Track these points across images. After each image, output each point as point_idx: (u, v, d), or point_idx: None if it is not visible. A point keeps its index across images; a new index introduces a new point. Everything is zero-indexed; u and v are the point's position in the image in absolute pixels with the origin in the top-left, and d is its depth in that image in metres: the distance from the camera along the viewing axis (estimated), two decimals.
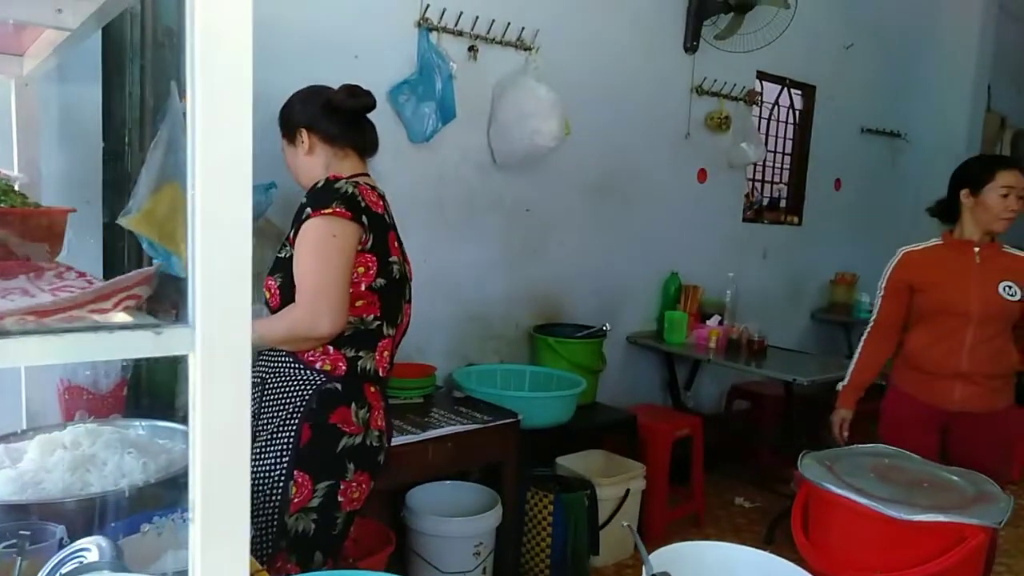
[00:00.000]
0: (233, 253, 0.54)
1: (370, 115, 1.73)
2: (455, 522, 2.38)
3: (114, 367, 1.61)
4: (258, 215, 2.11)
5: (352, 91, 1.65)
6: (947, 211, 2.38)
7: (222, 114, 0.53)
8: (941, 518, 1.46)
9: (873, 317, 2.44)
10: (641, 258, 3.65)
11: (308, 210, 1.50)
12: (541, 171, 3.12)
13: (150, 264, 1.85)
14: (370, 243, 1.54)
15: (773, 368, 3.33)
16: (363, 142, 1.69)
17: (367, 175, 1.68)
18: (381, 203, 1.61)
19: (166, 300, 1.58)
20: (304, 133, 1.64)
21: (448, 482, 2.61)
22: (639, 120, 3.50)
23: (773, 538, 3.16)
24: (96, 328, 0.53)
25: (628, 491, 2.86)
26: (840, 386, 2.48)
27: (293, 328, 1.50)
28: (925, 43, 4.97)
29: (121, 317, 0.58)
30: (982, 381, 2.24)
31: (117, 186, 1.93)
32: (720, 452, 3.91)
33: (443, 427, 2.34)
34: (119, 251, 1.93)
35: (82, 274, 0.79)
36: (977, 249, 2.28)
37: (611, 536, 2.80)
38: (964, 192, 2.29)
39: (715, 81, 3.75)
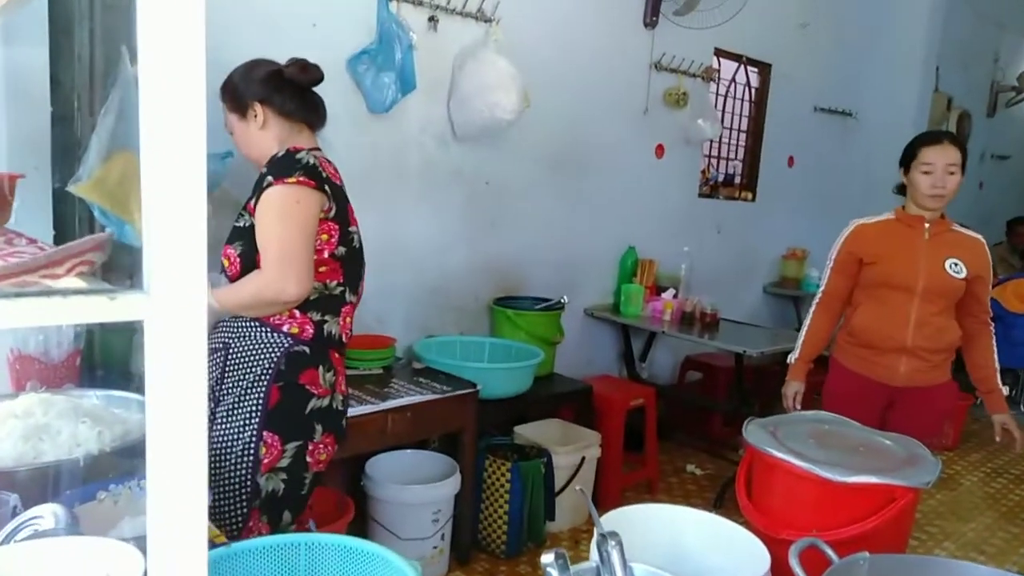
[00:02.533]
0: (187, 218, 0.55)
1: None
2: (414, 489, 2.42)
3: (66, 336, 1.59)
4: (215, 184, 2.09)
5: (303, 65, 1.66)
6: (901, 187, 2.40)
7: (174, 80, 0.54)
8: (873, 479, 1.55)
9: (822, 288, 2.43)
10: (599, 232, 3.70)
11: (270, 178, 1.51)
12: (501, 144, 3.13)
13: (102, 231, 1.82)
14: (333, 212, 1.57)
15: (725, 340, 3.43)
16: (316, 116, 1.70)
17: (319, 149, 1.68)
18: (338, 175, 1.64)
19: (120, 269, 1.57)
20: (258, 107, 1.63)
21: (408, 451, 2.65)
22: (599, 95, 3.52)
23: (722, 503, 3.29)
24: (49, 293, 0.54)
25: (583, 459, 2.93)
26: (791, 359, 2.47)
27: (260, 293, 1.52)
28: (877, 25, 5.07)
29: (74, 282, 0.59)
30: (926, 356, 2.27)
31: (67, 152, 1.89)
32: (673, 421, 4.03)
33: (402, 397, 2.38)
34: (69, 219, 1.89)
35: (32, 240, 0.79)
36: (927, 225, 2.28)
37: (567, 502, 2.88)
38: (902, 171, 2.33)
39: (674, 57, 3.78)
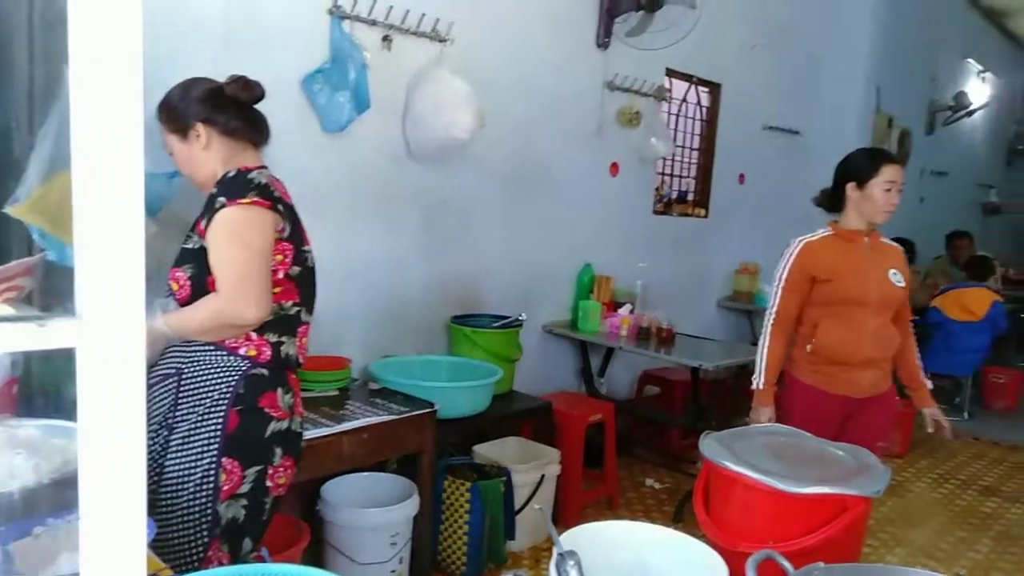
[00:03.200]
0: (123, 241, 0.53)
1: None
2: (371, 513, 2.38)
3: (2, 364, 1.52)
4: (161, 206, 2.03)
5: (245, 82, 1.62)
6: (832, 201, 2.43)
7: (109, 99, 0.53)
8: (826, 490, 1.58)
9: (775, 310, 2.38)
10: (556, 249, 3.72)
11: (222, 199, 1.48)
12: (457, 162, 3.14)
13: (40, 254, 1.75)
14: (287, 231, 1.55)
15: (681, 354, 3.48)
16: (260, 134, 1.68)
17: (265, 167, 1.66)
18: (288, 194, 1.61)
19: (62, 294, 1.51)
20: (200, 128, 1.60)
21: (364, 473, 2.61)
22: (554, 114, 3.56)
23: (682, 516, 3.31)
24: None
25: (543, 476, 2.92)
26: (758, 384, 2.38)
27: (218, 316, 1.48)
28: (821, 47, 5.25)
29: (2, 309, 0.56)
30: (883, 365, 2.36)
31: (4, 173, 1.82)
32: (632, 436, 4.05)
33: (358, 419, 2.33)
34: (5, 241, 1.82)
35: None
36: (867, 239, 2.37)
37: (527, 521, 2.86)
38: (851, 185, 2.34)
39: (626, 77, 3.85)
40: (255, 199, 1.48)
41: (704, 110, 4.63)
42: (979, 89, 7.99)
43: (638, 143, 3.97)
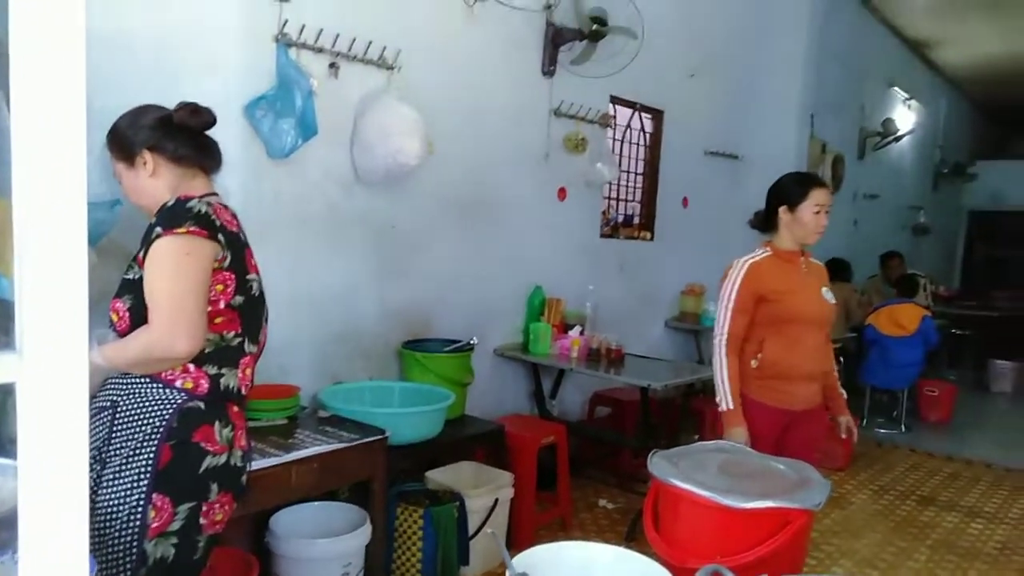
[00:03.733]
0: (65, 273, 0.53)
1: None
2: (321, 544, 2.34)
3: None
4: (102, 234, 1.99)
5: (194, 109, 1.61)
6: (766, 224, 2.51)
7: (51, 127, 0.53)
8: (769, 504, 1.63)
9: (726, 330, 2.40)
10: (506, 273, 3.75)
11: (159, 229, 1.46)
12: (406, 189, 3.15)
13: None
14: (228, 261, 1.52)
15: (630, 375, 3.53)
16: (210, 160, 1.66)
17: (216, 194, 1.64)
18: (235, 221, 1.59)
19: None
20: (147, 155, 1.58)
21: (314, 503, 2.56)
22: (501, 140, 3.62)
23: (634, 535, 3.34)
24: None
25: (497, 500, 2.92)
26: (727, 405, 2.38)
27: (149, 349, 1.45)
28: (758, 75, 5.47)
29: None
30: (818, 378, 2.47)
31: None
32: (585, 457, 4.08)
33: (308, 448, 2.30)
34: None
35: None
36: (802, 259, 2.47)
37: (481, 545, 2.85)
38: (783, 208, 2.42)
39: (572, 104, 3.94)
40: (192, 228, 1.45)
41: (648, 136, 4.76)
42: (905, 116, 8.41)
43: (585, 168, 4.06)
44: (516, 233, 3.77)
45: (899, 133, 7.88)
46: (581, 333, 3.85)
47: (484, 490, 2.90)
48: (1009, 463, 4.94)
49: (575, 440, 4.06)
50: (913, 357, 5.52)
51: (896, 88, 8.17)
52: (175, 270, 1.44)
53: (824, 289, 2.49)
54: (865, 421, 5.61)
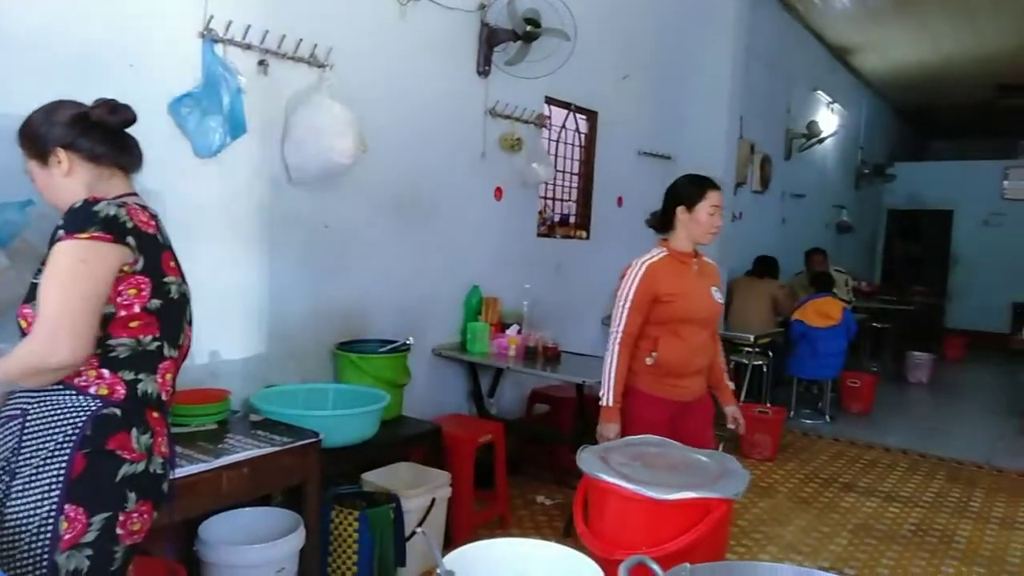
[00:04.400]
0: None
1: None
2: (252, 549, 2.30)
3: None
4: (13, 235, 1.92)
5: (112, 106, 1.56)
6: (663, 223, 2.62)
7: None
8: (691, 494, 1.69)
9: (622, 328, 2.51)
10: (443, 272, 3.76)
11: (61, 232, 1.41)
12: (340, 188, 3.12)
13: None
14: (141, 264, 1.48)
15: (566, 372, 3.58)
16: (130, 159, 1.61)
17: (135, 194, 1.60)
18: (153, 223, 1.54)
19: None
20: (61, 153, 1.52)
21: (246, 509, 2.52)
22: (437, 140, 3.62)
23: (571, 530, 3.37)
24: None
25: (434, 500, 2.92)
26: (608, 401, 2.51)
27: (26, 361, 1.39)
28: (689, 78, 5.62)
29: None
30: (705, 370, 2.65)
31: None
32: (524, 454, 4.12)
33: (238, 452, 2.25)
34: None
35: None
36: (694, 259, 2.60)
37: (418, 546, 2.84)
38: (680, 208, 2.54)
39: (507, 105, 3.97)
40: (95, 233, 1.40)
41: (583, 136, 4.84)
42: (829, 119, 8.77)
43: (521, 168, 4.09)
44: (453, 232, 3.78)
45: (823, 135, 8.22)
46: (518, 332, 3.88)
47: (421, 490, 2.90)
48: (924, 449, 5.22)
49: (514, 438, 4.10)
50: (839, 347, 5.79)
51: (820, 92, 8.52)
52: (67, 277, 1.39)
53: (714, 289, 2.63)
54: (793, 413, 5.83)
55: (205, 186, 2.65)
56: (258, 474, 2.29)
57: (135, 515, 1.49)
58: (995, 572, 3.31)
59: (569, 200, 4.85)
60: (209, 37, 2.56)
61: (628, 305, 2.51)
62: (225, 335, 2.76)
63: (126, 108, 1.58)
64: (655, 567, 1.40)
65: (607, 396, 2.51)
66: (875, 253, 12.19)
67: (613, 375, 2.51)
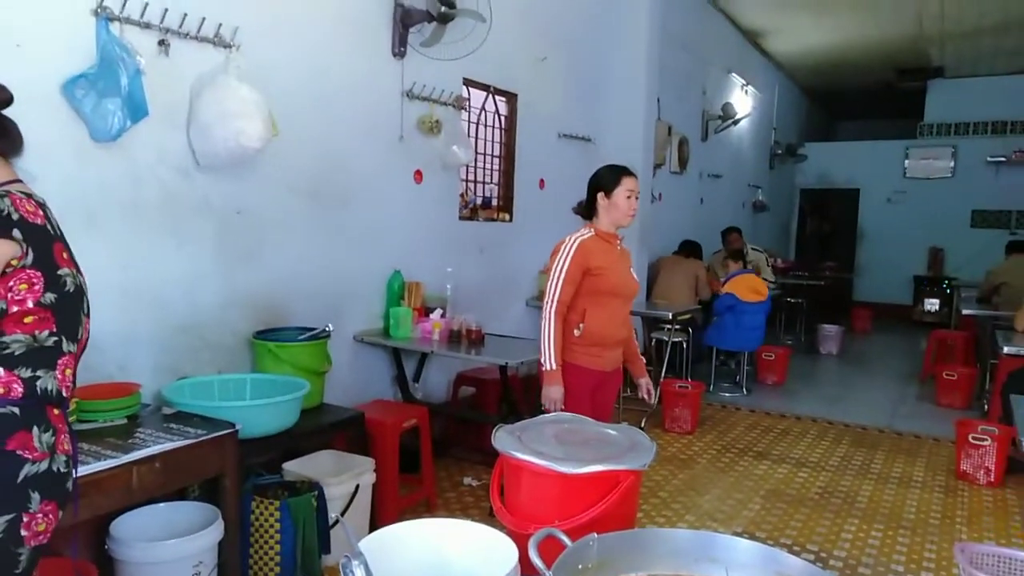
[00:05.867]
0: None
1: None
2: (168, 545, 2.25)
3: None
4: None
5: None
6: (587, 210, 2.85)
7: None
8: (601, 467, 1.75)
9: (556, 298, 2.70)
10: (363, 258, 3.72)
11: None
12: (251, 173, 3.04)
13: None
14: (30, 258, 1.41)
15: (490, 354, 3.62)
16: (10, 144, 1.52)
17: (19, 181, 1.52)
18: (41, 212, 1.47)
19: None
20: None
21: (160, 504, 2.46)
22: (353, 123, 3.56)
23: None
24: None
25: (358, 486, 2.92)
26: (551, 365, 2.67)
27: None
28: (606, 60, 5.69)
29: None
30: (623, 343, 2.88)
31: None
32: (450, 437, 4.15)
33: (149, 447, 2.19)
34: None
35: None
36: (618, 241, 2.84)
37: (343, 533, 2.84)
38: (600, 195, 2.78)
39: (424, 86, 3.94)
40: None
41: (503, 119, 4.85)
42: (743, 101, 9.06)
43: (440, 151, 4.07)
44: (372, 217, 3.74)
45: (738, 117, 8.49)
46: (442, 316, 3.88)
47: (344, 477, 2.89)
48: (832, 417, 5.53)
49: (439, 421, 4.13)
50: (760, 321, 6.05)
51: (734, 74, 8.78)
52: None
53: (632, 269, 2.91)
54: (712, 387, 6.06)
55: (106, 171, 2.54)
56: (171, 468, 2.24)
57: (39, 516, 1.44)
58: (892, 527, 3.55)
59: (491, 183, 4.86)
60: (104, 15, 2.44)
61: (562, 277, 2.70)
62: (133, 328, 2.66)
63: (2, 88, 1.49)
64: (564, 538, 1.45)
65: (548, 360, 2.68)
66: (789, 231, 12.72)
67: (552, 340, 2.68)
